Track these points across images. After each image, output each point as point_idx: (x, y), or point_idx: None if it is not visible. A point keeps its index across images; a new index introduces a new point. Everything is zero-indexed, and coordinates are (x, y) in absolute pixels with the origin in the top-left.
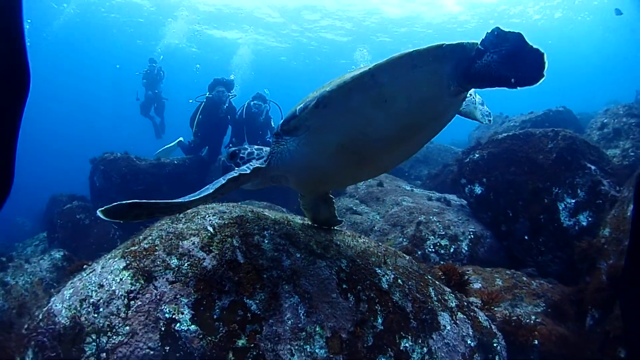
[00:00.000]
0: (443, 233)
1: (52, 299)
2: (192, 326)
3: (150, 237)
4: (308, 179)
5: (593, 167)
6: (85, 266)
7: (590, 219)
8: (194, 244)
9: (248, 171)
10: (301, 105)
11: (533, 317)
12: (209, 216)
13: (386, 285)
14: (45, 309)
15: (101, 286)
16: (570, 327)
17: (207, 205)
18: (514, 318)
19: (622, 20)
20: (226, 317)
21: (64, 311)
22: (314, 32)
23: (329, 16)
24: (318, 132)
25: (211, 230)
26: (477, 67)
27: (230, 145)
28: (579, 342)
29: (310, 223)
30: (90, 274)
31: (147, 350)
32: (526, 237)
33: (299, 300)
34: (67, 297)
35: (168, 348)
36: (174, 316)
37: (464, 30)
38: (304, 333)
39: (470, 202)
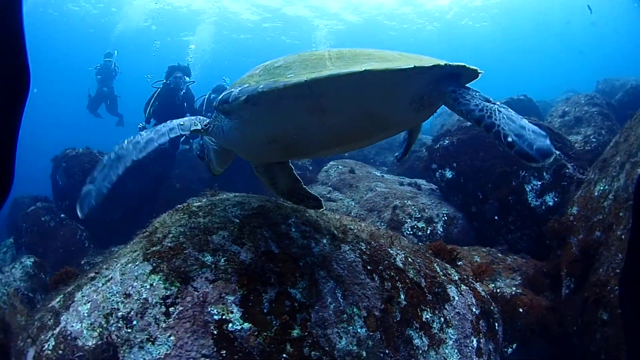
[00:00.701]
0: (419, 216)
1: (63, 319)
2: (245, 324)
3: (171, 235)
4: (245, 156)
5: (557, 152)
6: (74, 276)
7: (556, 199)
8: (224, 237)
9: (185, 125)
10: (235, 91)
11: (514, 289)
12: (229, 208)
13: (401, 264)
14: (57, 331)
15: (128, 295)
16: (547, 296)
17: (221, 197)
18: (497, 290)
19: (584, 14)
20: (276, 310)
21: (85, 332)
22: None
23: None
24: (249, 124)
25: (238, 222)
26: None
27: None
28: (560, 308)
29: (327, 213)
30: (109, 283)
31: (202, 359)
32: (496, 217)
33: (335, 285)
34: (86, 314)
35: (225, 352)
36: (223, 316)
37: None
38: (345, 315)
39: (441, 186)
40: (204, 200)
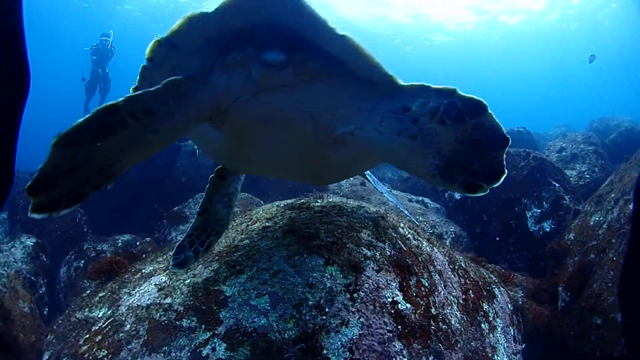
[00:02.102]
0: (431, 232)
1: (226, 316)
2: (407, 304)
3: (323, 231)
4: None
5: (557, 185)
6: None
7: (552, 226)
8: (369, 235)
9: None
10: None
11: (520, 301)
12: (356, 210)
13: (464, 266)
14: (223, 331)
15: (312, 285)
16: (547, 307)
17: (340, 200)
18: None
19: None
20: (419, 293)
21: (276, 324)
22: None
23: None
24: None
25: (371, 223)
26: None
27: None
28: (558, 318)
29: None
30: (281, 275)
31: (388, 334)
32: (497, 239)
33: (439, 277)
34: (269, 307)
35: (400, 327)
36: (394, 299)
37: None
38: (448, 300)
39: (448, 206)
40: (320, 202)
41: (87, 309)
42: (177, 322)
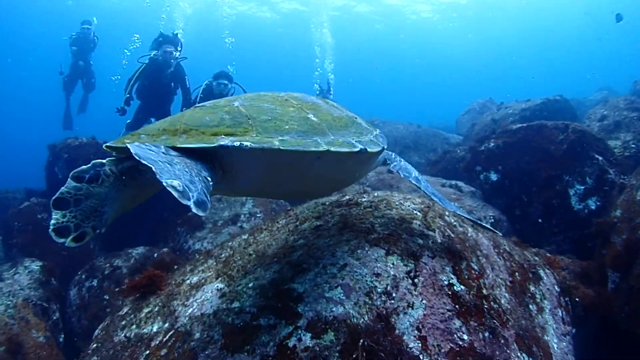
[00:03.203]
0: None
1: (304, 309)
2: (462, 286)
3: (377, 224)
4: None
5: (600, 158)
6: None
7: (598, 204)
8: (419, 225)
9: None
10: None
11: (567, 283)
12: (402, 202)
13: (509, 250)
14: (305, 323)
15: (378, 275)
16: (597, 289)
17: (384, 194)
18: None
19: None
20: (470, 276)
21: (353, 311)
22: None
23: None
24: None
25: (420, 214)
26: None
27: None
28: (608, 299)
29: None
30: (348, 268)
31: (448, 313)
32: (539, 220)
33: (486, 261)
34: (343, 297)
35: (457, 306)
36: (450, 281)
37: None
38: (497, 282)
39: (484, 189)
40: (366, 197)
41: (134, 327)
42: (254, 322)
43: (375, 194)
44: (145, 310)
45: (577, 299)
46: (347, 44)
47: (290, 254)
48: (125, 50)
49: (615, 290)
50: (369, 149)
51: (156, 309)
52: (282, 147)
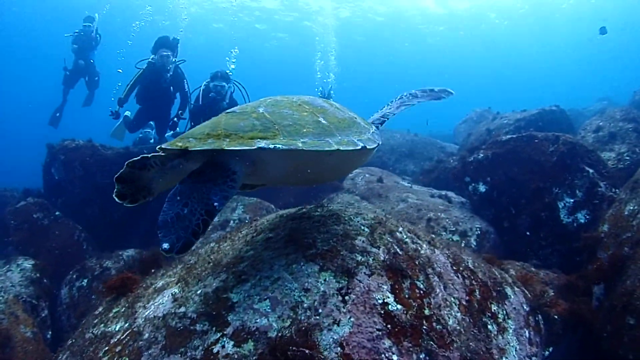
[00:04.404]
0: (454, 229)
1: (233, 319)
2: (398, 305)
3: (320, 240)
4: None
5: (591, 170)
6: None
7: (587, 217)
8: (363, 242)
9: None
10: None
11: (547, 300)
12: (353, 217)
13: (472, 266)
14: (231, 331)
15: (307, 290)
16: (580, 306)
17: (338, 208)
18: (537, 297)
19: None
20: (412, 295)
21: (276, 324)
22: None
23: None
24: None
25: (367, 230)
26: None
27: (175, 119)
28: (591, 317)
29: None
30: (280, 282)
31: (377, 332)
32: (527, 233)
33: (438, 279)
34: (269, 309)
35: (389, 326)
36: (385, 300)
37: None
38: (448, 302)
39: (473, 200)
40: (319, 211)
41: (102, 325)
42: (192, 327)
43: (331, 207)
44: (114, 310)
45: (555, 317)
46: (349, 50)
47: (237, 264)
48: (118, 51)
49: (599, 307)
50: (368, 146)
51: (122, 309)
52: (304, 148)
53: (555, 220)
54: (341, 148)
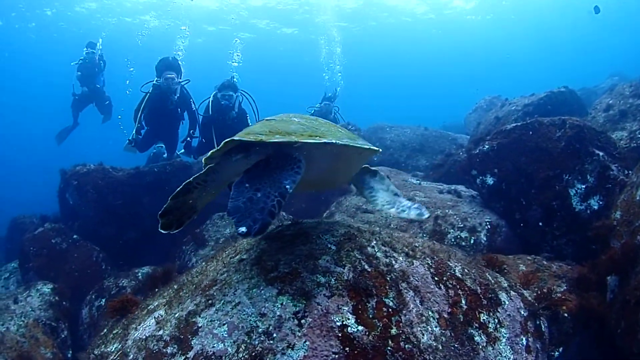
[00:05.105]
0: (462, 225)
1: (195, 343)
2: (359, 327)
3: (282, 262)
4: None
5: (601, 153)
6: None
7: (600, 203)
8: (328, 261)
9: None
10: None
11: (559, 295)
12: (322, 235)
13: (460, 274)
14: (192, 355)
15: (263, 315)
16: (593, 300)
17: (308, 225)
18: (544, 296)
19: None
20: (378, 315)
21: (230, 349)
22: None
23: None
24: None
25: (334, 248)
26: None
27: (189, 138)
28: (605, 312)
29: (390, 231)
30: (239, 307)
31: (333, 355)
32: (540, 224)
33: (414, 294)
34: (226, 335)
35: (348, 349)
36: (343, 322)
37: None
38: (424, 317)
39: (482, 193)
40: (292, 229)
41: (103, 346)
42: (164, 350)
43: (304, 224)
44: (114, 331)
45: (565, 314)
46: (356, 45)
47: (211, 287)
48: (130, 68)
49: (613, 300)
50: (379, 150)
51: (120, 330)
52: (350, 144)
53: (568, 209)
54: (367, 147)
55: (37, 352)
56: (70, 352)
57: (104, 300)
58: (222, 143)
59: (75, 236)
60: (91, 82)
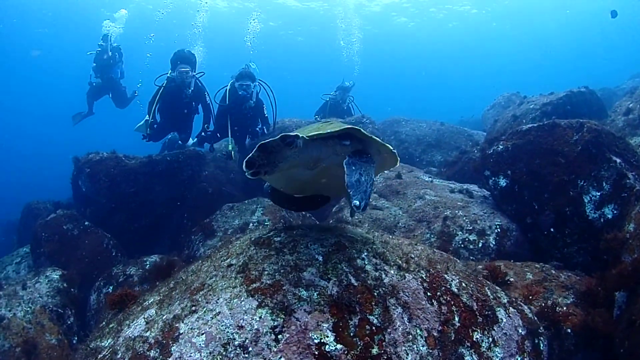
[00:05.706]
0: (470, 228)
1: (175, 350)
2: (338, 345)
3: (267, 273)
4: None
5: (618, 160)
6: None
7: (615, 212)
8: (313, 274)
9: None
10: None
11: (564, 308)
12: (310, 244)
13: (456, 289)
14: (179, 359)
15: (241, 327)
16: (600, 315)
17: (299, 233)
18: (547, 310)
19: None
20: (359, 333)
21: (205, 359)
22: None
23: None
24: None
25: (321, 259)
26: None
27: (203, 133)
28: (608, 328)
29: (387, 239)
30: (219, 317)
31: None
32: (552, 230)
33: (402, 310)
34: (203, 345)
35: None
36: (322, 340)
37: None
38: (410, 336)
39: (494, 195)
40: (283, 235)
41: (98, 339)
42: (148, 353)
43: (295, 232)
44: (110, 325)
45: (568, 330)
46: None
47: (199, 292)
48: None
49: (619, 318)
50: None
51: (115, 325)
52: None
53: (581, 216)
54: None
55: (42, 338)
56: (76, 338)
57: (111, 287)
58: (344, 127)
59: (86, 223)
60: (105, 72)
